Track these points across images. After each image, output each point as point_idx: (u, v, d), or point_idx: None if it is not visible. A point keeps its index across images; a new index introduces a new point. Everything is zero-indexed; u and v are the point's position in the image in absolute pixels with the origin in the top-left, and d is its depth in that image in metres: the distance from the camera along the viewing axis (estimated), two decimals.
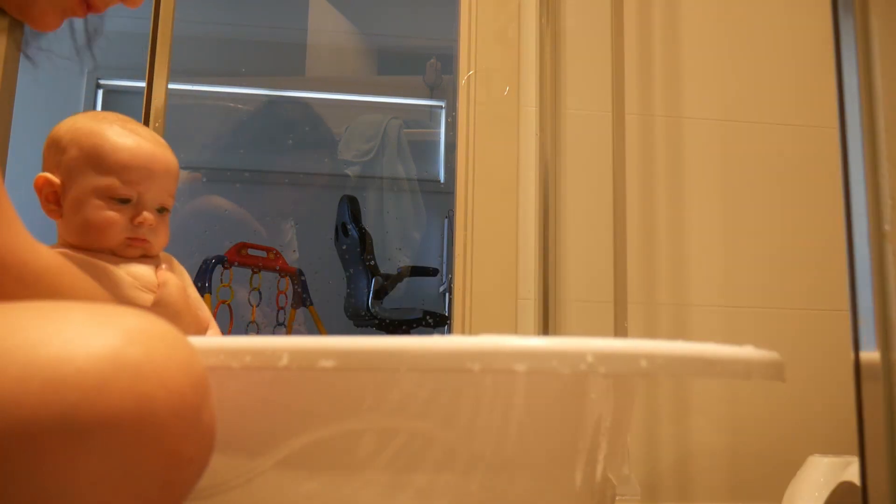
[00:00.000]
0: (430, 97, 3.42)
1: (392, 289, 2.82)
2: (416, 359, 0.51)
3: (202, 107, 3.27)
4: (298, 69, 3.37)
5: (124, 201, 0.85)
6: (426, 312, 2.76)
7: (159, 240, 0.88)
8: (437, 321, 2.77)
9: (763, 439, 1.62)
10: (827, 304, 1.68)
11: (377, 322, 2.73)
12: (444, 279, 3.18)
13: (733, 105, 1.74)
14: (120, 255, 0.86)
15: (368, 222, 3.05)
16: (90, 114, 0.91)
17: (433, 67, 3.35)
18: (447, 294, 3.10)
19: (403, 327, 2.73)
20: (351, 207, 2.85)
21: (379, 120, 3.25)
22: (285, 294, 2.54)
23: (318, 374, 0.56)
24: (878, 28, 0.59)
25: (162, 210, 0.88)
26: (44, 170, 0.88)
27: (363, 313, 2.76)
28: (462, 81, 1.69)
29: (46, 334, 0.45)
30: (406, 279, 2.98)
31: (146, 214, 0.85)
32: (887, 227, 0.57)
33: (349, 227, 2.83)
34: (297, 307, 2.56)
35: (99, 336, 0.45)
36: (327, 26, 3.37)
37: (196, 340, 0.54)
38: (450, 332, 2.22)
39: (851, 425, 0.57)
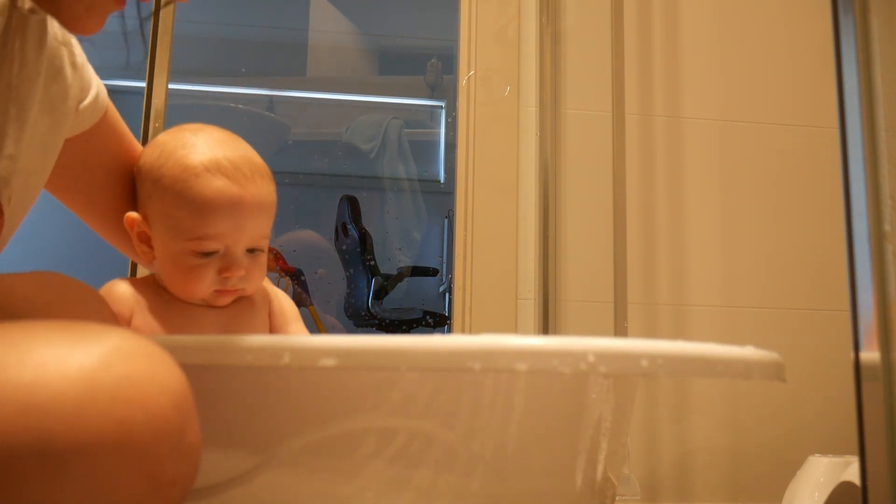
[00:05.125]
0: (431, 97, 3.42)
1: (392, 289, 2.82)
2: (417, 358, 0.51)
3: (201, 107, 3.27)
4: (299, 69, 3.37)
5: (211, 254, 0.78)
6: (426, 312, 2.76)
7: (253, 282, 0.82)
8: (437, 321, 2.77)
9: (763, 439, 1.62)
10: (827, 304, 1.68)
11: (377, 322, 2.73)
12: (444, 279, 3.18)
13: (733, 105, 1.74)
14: (212, 305, 0.81)
15: (368, 222, 3.05)
16: (176, 138, 0.81)
17: (434, 67, 3.35)
18: (447, 294, 3.10)
19: (403, 327, 2.73)
20: (351, 207, 2.85)
21: (379, 120, 3.25)
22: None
23: (319, 372, 0.56)
24: (878, 28, 0.59)
25: (254, 251, 0.81)
26: (137, 201, 0.82)
27: (363, 313, 2.75)
28: (462, 82, 1.69)
29: (20, 357, 0.43)
30: (406, 279, 2.98)
31: (235, 267, 0.78)
32: (887, 227, 0.57)
33: (349, 227, 2.83)
34: (297, 307, 2.55)
35: (75, 358, 0.43)
36: (328, 26, 3.36)
37: (197, 339, 0.54)
38: (450, 332, 2.22)
39: (851, 425, 0.57)
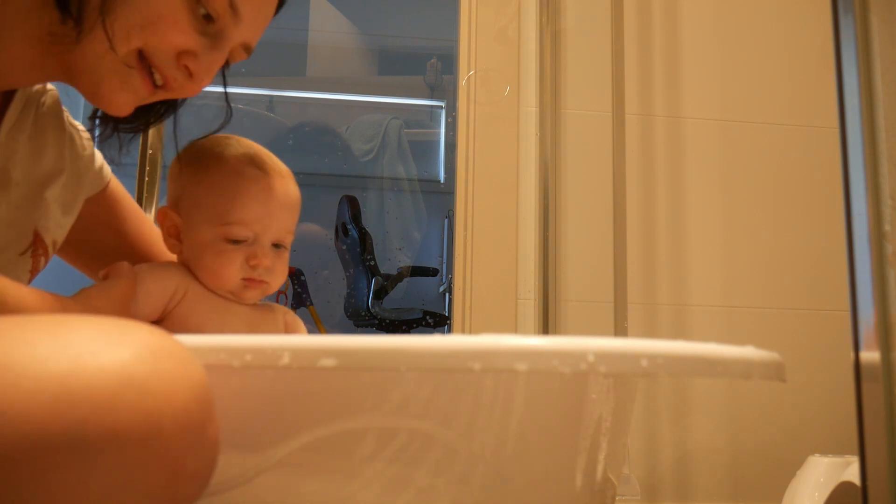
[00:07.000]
0: (431, 97, 3.42)
1: (392, 289, 2.82)
2: (417, 358, 0.51)
3: (201, 107, 3.27)
4: (299, 69, 3.37)
5: (240, 242, 0.81)
6: (426, 312, 2.76)
7: (276, 279, 0.84)
8: (437, 321, 2.77)
9: (763, 439, 1.62)
10: (827, 304, 1.68)
11: (377, 322, 2.73)
12: (444, 279, 3.18)
13: (733, 105, 1.74)
14: (239, 299, 0.83)
15: (368, 222, 3.05)
16: (212, 140, 0.87)
17: (433, 67, 3.35)
18: (447, 294, 3.10)
19: (403, 327, 2.73)
20: (351, 207, 2.85)
21: (379, 120, 3.25)
22: (285, 294, 2.54)
23: (318, 373, 0.56)
24: (878, 28, 0.59)
25: (279, 246, 0.84)
26: (168, 198, 0.86)
27: (363, 313, 2.76)
28: (462, 82, 1.69)
29: (57, 349, 0.45)
30: (406, 279, 2.98)
31: (262, 255, 0.81)
32: (887, 227, 0.57)
33: (349, 227, 2.83)
34: (297, 307, 2.55)
35: (108, 351, 0.46)
36: (328, 26, 3.37)
37: (197, 339, 0.54)
38: (450, 332, 2.22)
39: (851, 425, 0.57)
